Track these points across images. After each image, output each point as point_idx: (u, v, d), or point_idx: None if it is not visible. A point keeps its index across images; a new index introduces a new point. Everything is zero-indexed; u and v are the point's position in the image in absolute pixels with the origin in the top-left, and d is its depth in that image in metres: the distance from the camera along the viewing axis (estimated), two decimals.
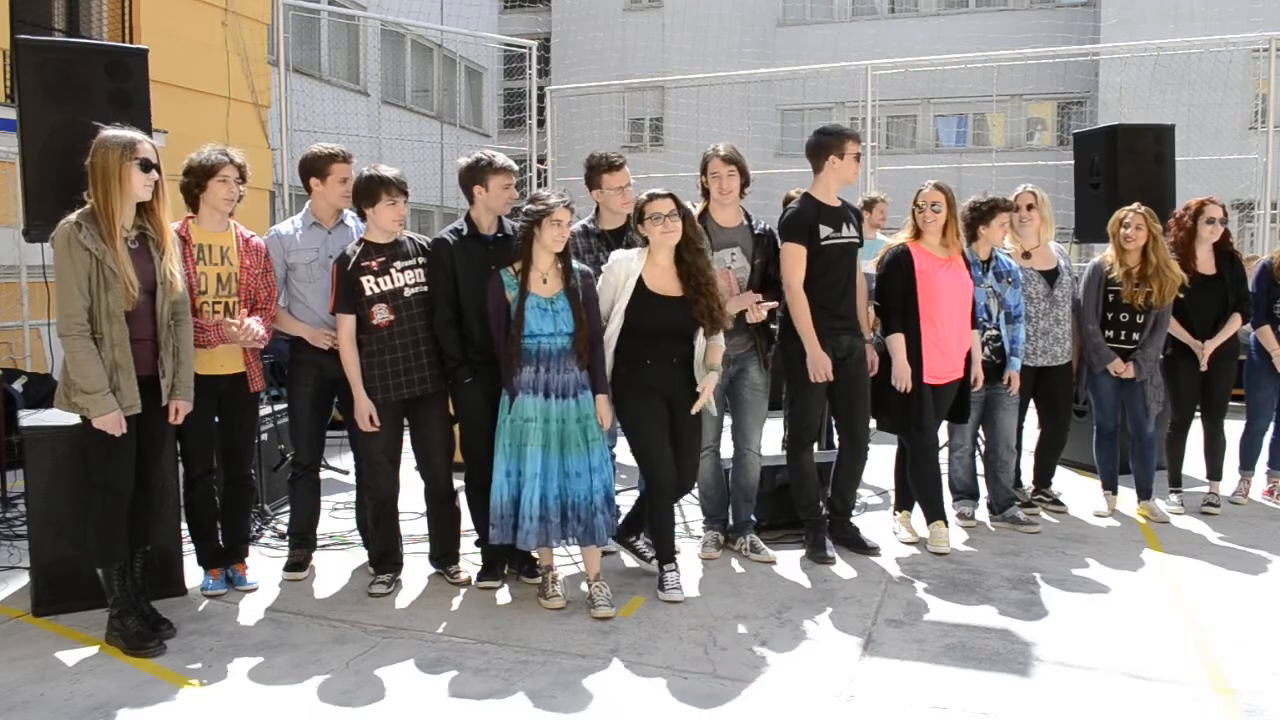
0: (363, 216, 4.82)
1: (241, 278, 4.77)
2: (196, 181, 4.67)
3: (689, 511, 5.97)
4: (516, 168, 4.91)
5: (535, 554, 4.84)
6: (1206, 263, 6.13)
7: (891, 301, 5.33)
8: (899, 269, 5.34)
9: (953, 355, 5.41)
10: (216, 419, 4.83)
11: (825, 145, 5.25)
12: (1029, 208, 5.95)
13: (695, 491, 5.46)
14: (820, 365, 5.14)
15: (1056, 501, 6.27)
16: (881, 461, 6.19)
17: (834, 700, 3.71)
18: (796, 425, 5.39)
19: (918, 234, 5.42)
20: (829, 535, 5.45)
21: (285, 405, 5.65)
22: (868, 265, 5.87)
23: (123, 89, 4.87)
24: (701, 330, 4.70)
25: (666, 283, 4.68)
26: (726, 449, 5.43)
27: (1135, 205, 5.94)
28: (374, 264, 4.70)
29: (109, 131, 4.09)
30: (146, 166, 4.08)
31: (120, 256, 4.01)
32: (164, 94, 5.81)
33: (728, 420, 5.39)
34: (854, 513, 5.69)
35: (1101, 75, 18.76)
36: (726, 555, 5.39)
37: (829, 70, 14.63)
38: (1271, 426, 6.45)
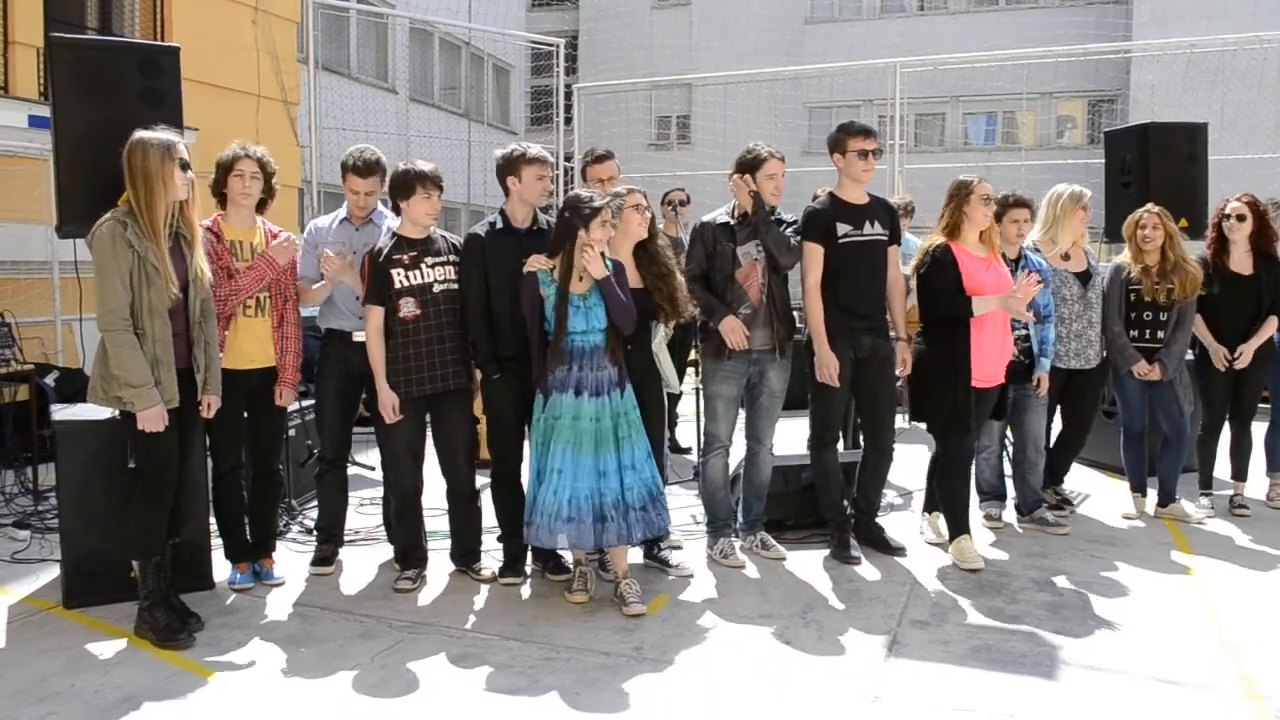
0: (397, 210, 4.85)
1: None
2: (219, 178, 4.74)
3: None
4: (551, 159, 4.95)
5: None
6: (1242, 262, 6.05)
7: (940, 301, 5.15)
8: (945, 268, 5.12)
9: (997, 359, 5.25)
10: (245, 414, 4.87)
11: (831, 145, 5.29)
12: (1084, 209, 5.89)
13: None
14: (826, 364, 5.12)
15: (1067, 501, 6.19)
16: (906, 462, 6.16)
17: (859, 701, 3.69)
18: (818, 424, 5.38)
19: (953, 231, 5.21)
20: (854, 535, 5.44)
21: (313, 401, 5.67)
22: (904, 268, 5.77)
23: (155, 87, 4.90)
24: (661, 320, 4.89)
25: (628, 273, 4.77)
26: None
27: (1149, 206, 5.94)
28: (405, 258, 4.72)
29: (145, 134, 4.16)
30: (185, 166, 4.16)
31: (162, 254, 4.10)
32: (195, 92, 5.84)
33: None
34: (879, 513, 5.66)
35: (1133, 73, 18.55)
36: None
37: (857, 68, 14.56)
38: None
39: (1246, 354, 5.99)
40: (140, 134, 4.16)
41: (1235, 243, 6.04)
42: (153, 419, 4.07)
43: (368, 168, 5.05)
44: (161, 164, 4.08)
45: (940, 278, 5.12)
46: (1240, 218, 5.99)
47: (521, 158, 4.85)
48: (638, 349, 4.86)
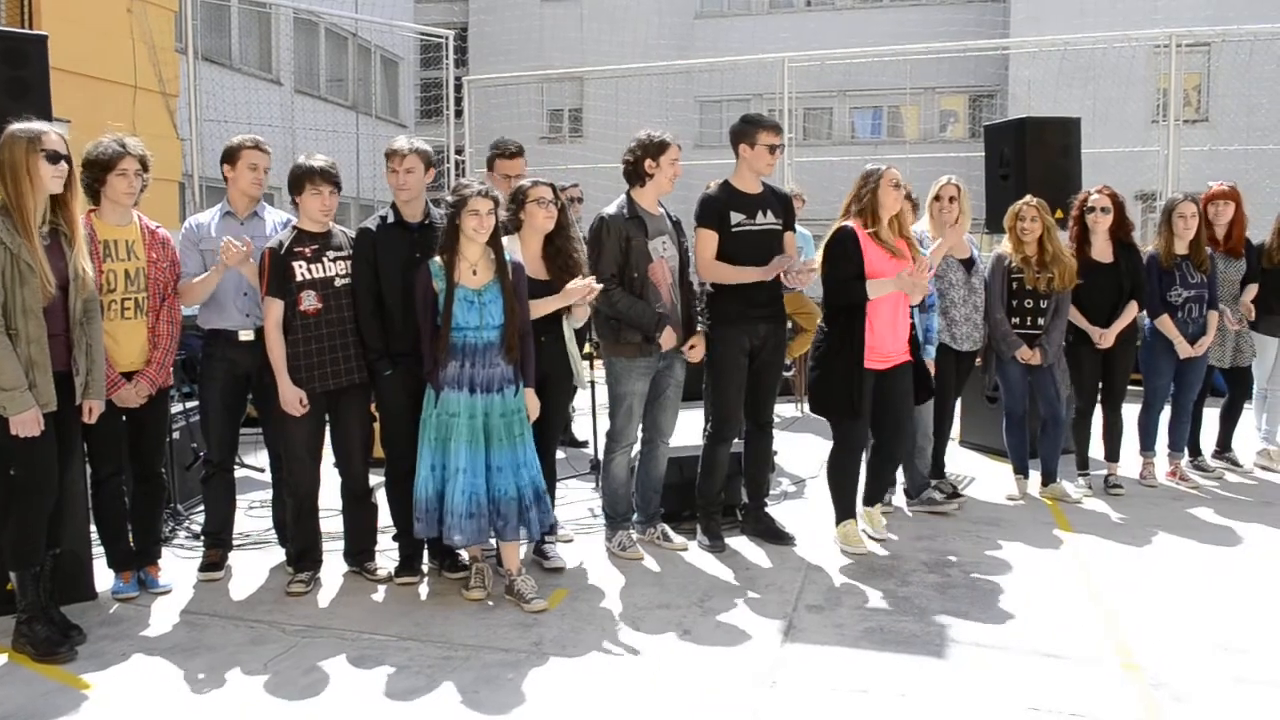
0: (296, 206, 4.76)
1: (149, 272, 4.64)
2: (96, 176, 4.53)
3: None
4: (417, 149, 4.84)
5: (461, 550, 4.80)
6: (1103, 252, 6.32)
7: (839, 286, 5.10)
8: (846, 252, 5.06)
9: (894, 336, 5.19)
10: (124, 417, 4.70)
11: (738, 134, 5.31)
12: (951, 199, 6.04)
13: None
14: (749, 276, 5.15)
15: (956, 494, 6.23)
16: (800, 451, 6.26)
17: (756, 686, 3.75)
18: (718, 416, 5.38)
19: (870, 219, 5.13)
20: (744, 526, 5.56)
21: (197, 402, 5.51)
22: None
23: (20, 76, 4.69)
24: (568, 313, 4.92)
25: (534, 267, 4.81)
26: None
27: (1028, 199, 6.15)
28: (307, 250, 4.64)
29: (14, 125, 3.98)
30: (55, 158, 3.97)
31: (36, 251, 3.92)
32: (66, 82, 5.62)
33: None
34: (769, 502, 5.71)
35: (1011, 69, 19.17)
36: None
37: (746, 62, 14.71)
38: (1167, 410, 6.70)
39: (1108, 337, 6.26)
40: (12, 125, 3.98)
41: (1097, 233, 6.30)
42: (26, 423, 3.89)
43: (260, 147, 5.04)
44: (26, 155, 3.90)
45: (842, 262, 5.08)
46: (1104, 210, 6.26)
47: (390, 153, 4.83)
48: (550, 340, 4.86)
